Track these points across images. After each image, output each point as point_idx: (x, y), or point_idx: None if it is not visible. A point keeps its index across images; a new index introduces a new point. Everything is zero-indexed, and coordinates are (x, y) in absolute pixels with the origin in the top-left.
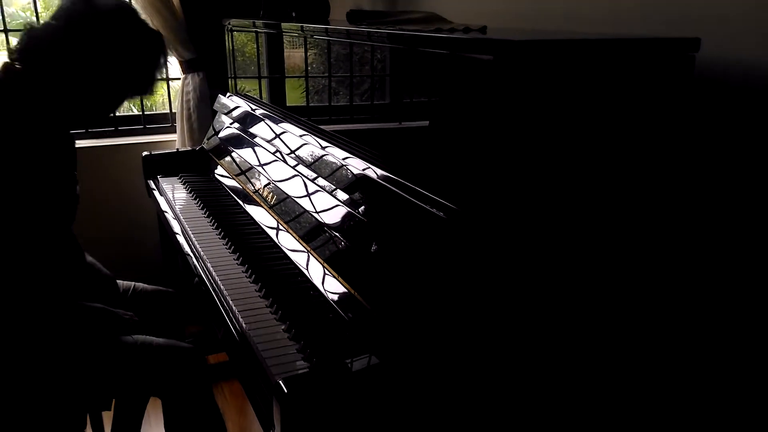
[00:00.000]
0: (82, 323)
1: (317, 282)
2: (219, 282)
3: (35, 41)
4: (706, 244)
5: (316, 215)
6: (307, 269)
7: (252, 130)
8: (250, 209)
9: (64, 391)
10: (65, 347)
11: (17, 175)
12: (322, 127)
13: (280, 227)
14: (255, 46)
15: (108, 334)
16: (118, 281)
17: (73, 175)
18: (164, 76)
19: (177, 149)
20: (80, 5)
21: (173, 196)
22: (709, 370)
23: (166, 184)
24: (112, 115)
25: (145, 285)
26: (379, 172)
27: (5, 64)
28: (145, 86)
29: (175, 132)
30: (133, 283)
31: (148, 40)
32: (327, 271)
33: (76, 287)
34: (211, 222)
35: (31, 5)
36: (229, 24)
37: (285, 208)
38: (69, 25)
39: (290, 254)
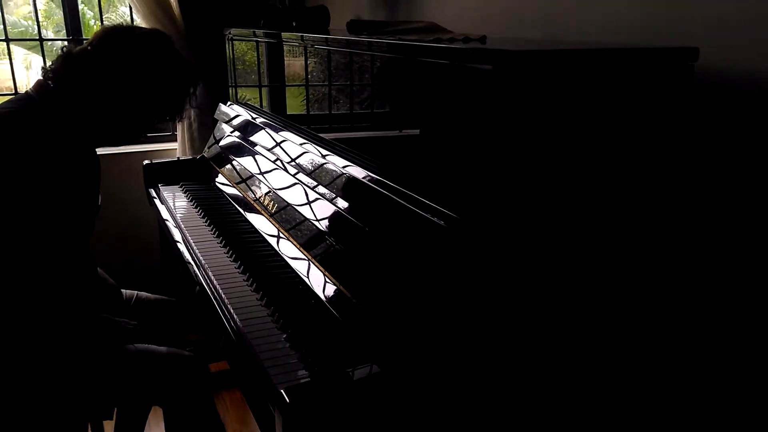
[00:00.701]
0: (87, 333)
1: (318, 290)
2: (220, 290)
3: (71, 63)
4: (709, 252)
5: (316, 223)
6: (308, 277)
7: (252, 138)
8: (251, 217)
9: (66, 400)
10: (69, 356)
11: (42, 189)
12: (322, 135)
13: (281, 235)
14: (255, 54)
15: (112, 344)
16: (121, 290)
17: (96, 192)
18: (194, 105)
19: (178, 158)
20: (117, 33)
21: (174, 204)
22: (708, 372)
23: (167, 192)
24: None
25: (148, 294)
26: (380, 180)
27: (39, 82)
28: (174, 113)
29: (176, 140)
30: (136, 292)
31: (180, 68)
32: (328, 279)
33: (88, 298)
34: (212, 230)
35: (33, 14)
36: (229, 33)
37: (285, 216)
38: (105, 51)
39: (291, 262)
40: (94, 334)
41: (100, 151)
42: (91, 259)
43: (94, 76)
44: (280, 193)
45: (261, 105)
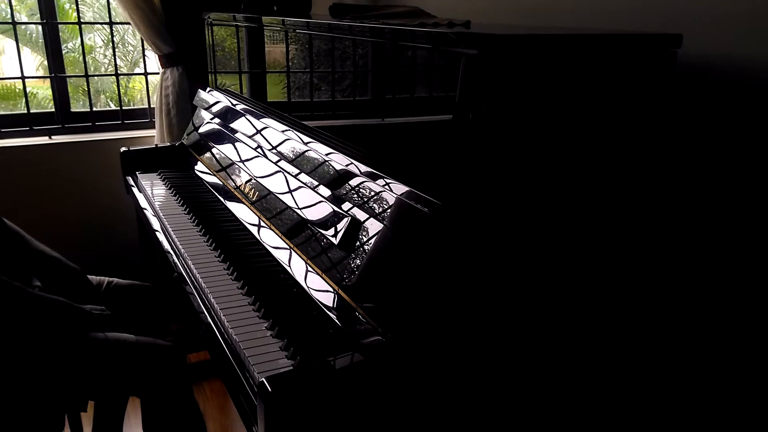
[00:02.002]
0: (41, 316)
1: (300, 279)
2: (200, 279)
3: None
4: (687, 236)
5: (298, 211)
6: (289, 266)
7: (233, 125)
8: (232, 206)
9: (35, 390)
10: (28, 342)
11: None
12: (304, 122)
13: (262, 224)
14: (235, 40)
15: (74, 330)
16: (91, 276)
17: None
18: None
19: (156, 145)
20: None
21: (152, 193)
22: (688, 369)
23: (144, 180)
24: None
25: (120, 279)
26: (362, 167)
27: None
28: None
29: (154, 127)
30: (107, 278)
31: None
32: (310, 268)
33: (24, 274)
34: (191, 219)
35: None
36: (209, 18)
37: (267, 205)
38: None
39: (273, 251)
40: (52, 318)
41: (75, 138)
42: (10, 232)
43: None
44: (261, 181)
45: (241, 91)
